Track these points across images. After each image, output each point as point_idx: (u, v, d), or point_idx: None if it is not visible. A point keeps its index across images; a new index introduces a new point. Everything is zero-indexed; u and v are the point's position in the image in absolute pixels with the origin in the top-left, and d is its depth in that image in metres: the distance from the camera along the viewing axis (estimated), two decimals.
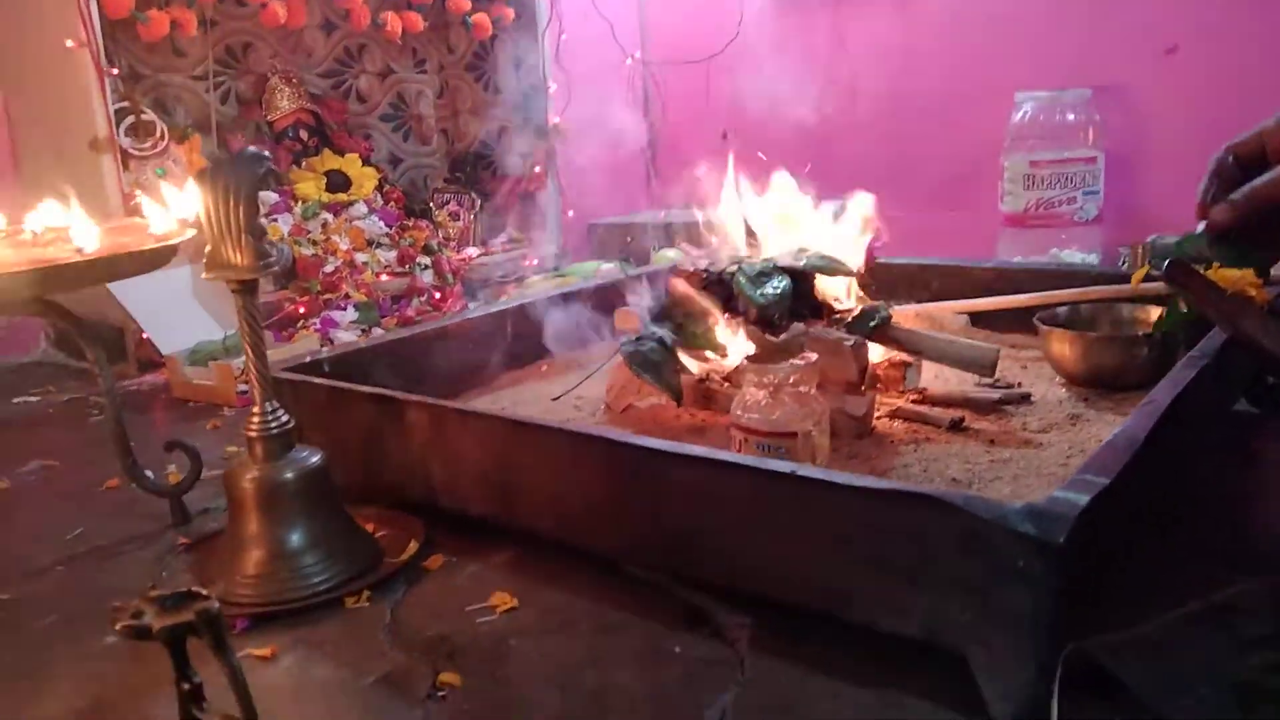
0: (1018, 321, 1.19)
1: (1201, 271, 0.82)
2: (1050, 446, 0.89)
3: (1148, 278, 0.96)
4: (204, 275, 0.77)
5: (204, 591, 0.53)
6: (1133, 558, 0.71)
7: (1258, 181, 0.75)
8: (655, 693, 0.62)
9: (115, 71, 1.62)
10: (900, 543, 0.59)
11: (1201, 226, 0.81)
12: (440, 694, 0.63)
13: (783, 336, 0.91)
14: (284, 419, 0.80)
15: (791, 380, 0.79)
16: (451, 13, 2.22)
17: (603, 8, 2.48)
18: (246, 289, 0.77)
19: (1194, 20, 1.90)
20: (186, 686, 0.53)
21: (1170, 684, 0.57)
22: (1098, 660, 0.56)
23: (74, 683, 0.68)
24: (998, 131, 2.01)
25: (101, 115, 1.56)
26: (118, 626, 0.52)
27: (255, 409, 0.79)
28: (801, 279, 1.01)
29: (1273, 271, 0.79)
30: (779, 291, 0.98)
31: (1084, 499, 0.56)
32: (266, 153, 0.77)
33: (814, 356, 0.84)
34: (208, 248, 0.77)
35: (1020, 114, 1.97)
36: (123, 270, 0.83)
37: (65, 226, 0.90)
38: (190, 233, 0.90)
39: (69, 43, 1.53)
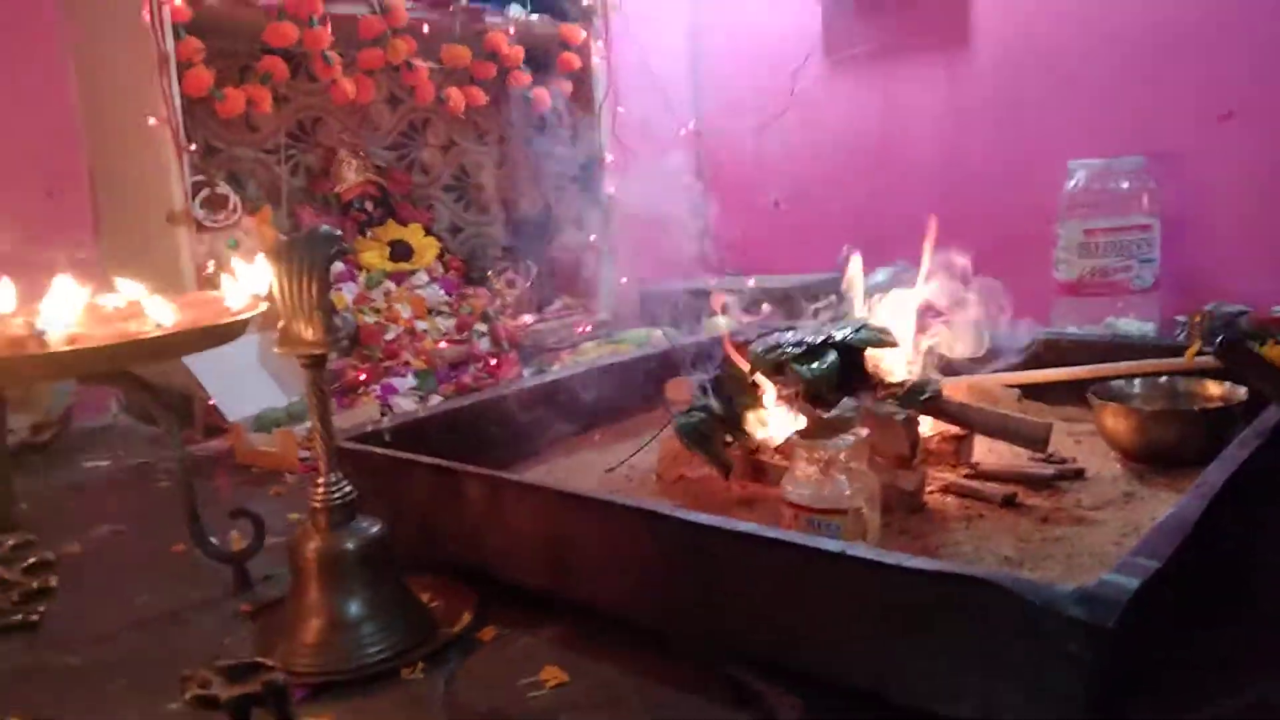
0: (1069, 394, 1.18)
1: (1253, 348, 0.82)
2: (1104, 525, 0.88)
3: (1200, 353, 0.96)
4: (276, 350, 0.81)
5: (269, 663, 0.55)
6: (1188, 641, 0.70)
7: None
8: None
9: (193, 147, 1.70)
10: (950, 624, 0.59)
11: None
12: None
13: (833, 411, 0.92)
14: (347, 489, 0.82)
15: (842, 456, 0.80)
16: (512, 87, 2.29)
17: (658, 80, 2.54)
18: (316, 363, 0.80)
19: (1249, 86, 1.90)
20: None
21: None
22: None
23: None
24: (1051, 199, 2.01)
25: (179, 189, 1.64)
26: (187, 696, 0.55)
27: (320, 480, 0.82)
28: (851, 352, 1.02)
29: None
30: (827, 366, 0.99)
31: (1134, 583, 0.56)
32: (339, 231, 0.81)
33: (865, 432, 0.84)
34: (280, 323, 0.80)
35: (1074, 182, 1.97)
36: (198, 344, 0.87)
37: (140, 301, 0.95)
38: (262, 306, 0.94)
39: (151, 120, 1.62)
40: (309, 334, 0.79)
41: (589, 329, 2.20)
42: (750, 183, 2.55)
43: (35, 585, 0.59)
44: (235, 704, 0.53)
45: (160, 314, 0.84)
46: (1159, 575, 0.57)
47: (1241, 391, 1.01)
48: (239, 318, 0.90)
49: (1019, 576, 0.59)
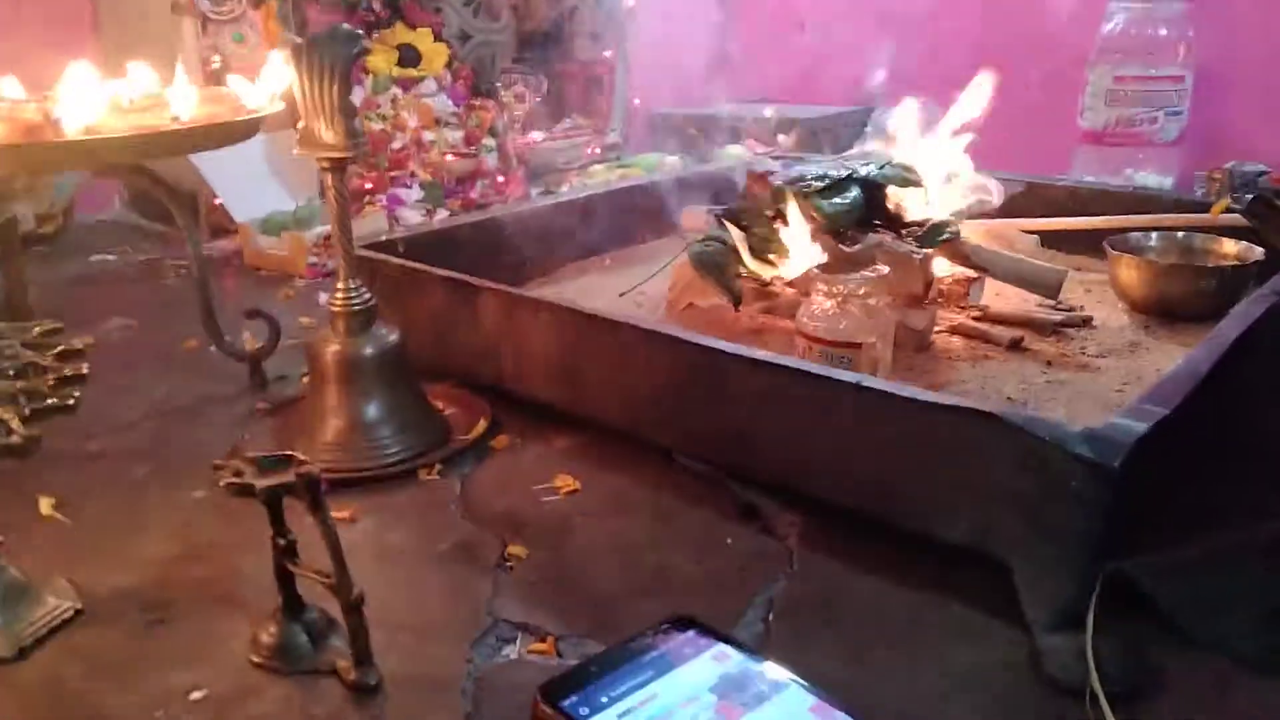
0: (1085, 243, 1.18)
1: None
2: (1107, 372, 0.90)
3: (1228, 210, 0.95)
4: (295, 152, 0.80)
5: (301, 455, 0.57)
6: (1187, 486, 0.73)
7: None
8: (708, 578, 0.65)
9: None
10: (959, 456, 0.61)
11: None
12: (509, 564, 0.67)
13: (856, 247, 0.92)
14: (366, 296, 0.83)
15: (861, 292, 0.81)
16: None
17: None
18: (337, 167, 0.79)
19: None
20: (282, 542, 0.57)
21: (1203, 608, 0.59)
22: (1135, 580, 0.59)
23: (169, 530, 0.73)
24: (1087, 40, 1.94)
25: None
26: (222, 483, 0.57)
27: (339, 285, 0.82)
28: (874, 190, 1.01)
29: None
30: (849, 202, 0.98)
31: (1143, 427, 0.58)
32: (360, 31, 0.78)
33: (884, 269, 0.85)
34: (300, 124, 0.79)
35: (1111, 24, 1.90)
36: (217, 140, 0.85)
37: (161, 94, 0.92)
38: (279, 105, 0.92)
39: None
40: (329, 136, 0.78)
41: (598, 151, 2.16)
42: (776, 3, 2.44)
43: (68, 371, 0.60)
44: (270, 493, 0.56)
45: (182, 106, 0.82)
46: (1166, 422, 0.59)
47: (1258, 251, 1.01)
48: (257, 115, 0.88)
49: (1031, 414, 0.60)
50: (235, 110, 0.88)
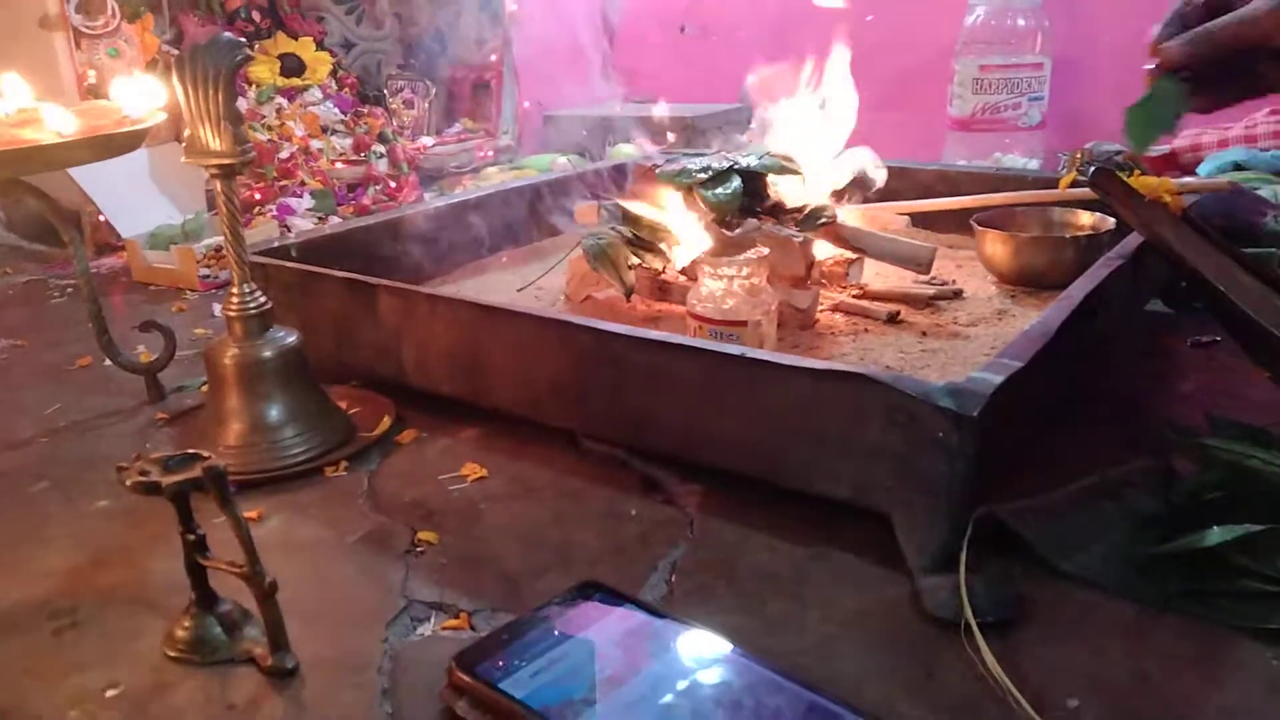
0: (956, 222, 1.26)
1: (1123, 178, 0.89)
2: (976, 339, 0.96)
3: (1075, 184, 1.03)
4: (183, 160, 0.80)
5: (205, 453, 0.58)
6: (1042, 436, 0.79)
7: (1219, 21, 0.73)
8: (613, 548, 0.69)
9: None
10: (835, 417, 0.66)
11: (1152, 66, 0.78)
12: (419, 549, 0.69)
13: (737, 232, 0.97)
14: (261, 300, 0.84)
15: (744, 273, 0.85)
16: None
17: None
18: (226, 174, 0.80)
19: None
20: (192, 538, 0.58)
21: (1064, 543, 0.65)
22: (1003, 521, 0.64)
23: (73, 540, 0.73)
24: (951, 34, 2.04)
25: None
26: (128, 483, 0.57)
27: (234, 290, 0.83)
28: (755, 179, 1.06)
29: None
30: (731, 191, 1.02)
31: (998, 379, 0.63)
32: (243, 39, 0.79)
33: (766, 251, 0.89)
34: (186, 133, 0.79)
35: (973, 17, 2.00)
36: (100, 152, 0.85)
37: (36, 108, 0.91)
38: (161, 116, 0.92)
39: None
40: (218, 144, 0.79)
41: (491, 154, 2.17)
42: (657, 5, 2.49)
43: None
44: (176, 489, 0.57)
45: (60, 121, 0.81)
46: (1020, 374, 0.65)
47: (1110, 222, 1.09)
48: (141, 126, 0.88)
49: (898, 374, 0.65)
50: (117, 122, 0.88)
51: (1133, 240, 0.93)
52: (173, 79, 0.79)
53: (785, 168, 1.06)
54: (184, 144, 0.80)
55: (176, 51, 1.82)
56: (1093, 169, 0.87)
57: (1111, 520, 0.68)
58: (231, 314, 0.83)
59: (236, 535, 0.56)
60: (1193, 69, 0.75)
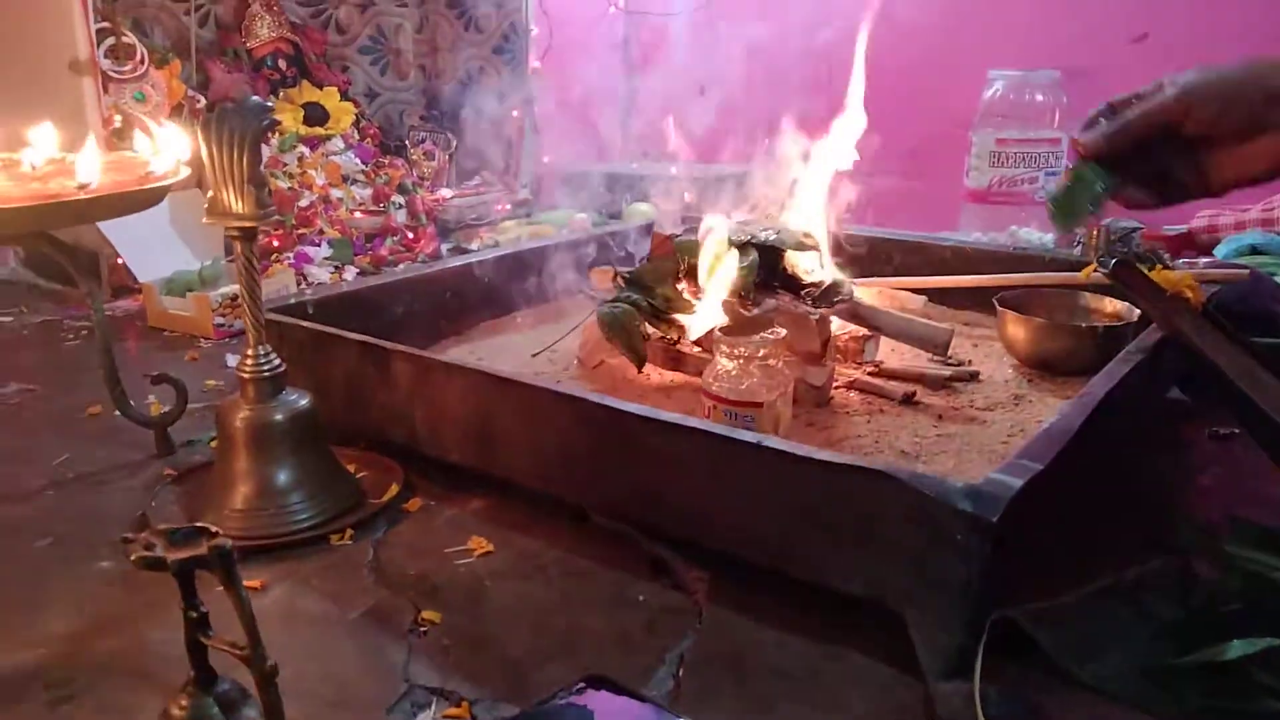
0: (971, 299, 1.25)
1: (1144, 271, 0.88)
2: (993, 425, 0.96)
3: (1096, 271, 1.02)
4: (205, 220, 0.80)
5: (213, 528, 0.57)
6: (1062, 535, 0.78)
7: (1134, 107, 0.78)
8: (619, 636, 0.67)
9: None
10: (852, 511, 0.65)
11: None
12: (422, 629, 0.68)
13: (755, 311, 0.96)
14: (276, 362, 0.83)
15: (761, 354, 0.85)
16: None
17: None
18: (246, 235, 0.80)
19: (1164, 8, 1.95)
20: (194, 615, 0.57)
21: (1081, 650, 0.64)
22: (1020, 626, 0.63)
23: (73, 603, 0.72)
24: (970, 106, 2.06)
25: (83, 36, 1.55)
26: (133, 558, 0.56)
27: (249, 351, 0.82)
28: (772, 253, 1.06)
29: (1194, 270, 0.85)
30: (748, 265, 1.02)
31: (1018, 482, 0.62)
32: (271, 103, 0.80)
33: (783, 332, 0.89)
34: (209, 193, 0.79)
35: (992, 91, 2.02)
36: (122, 208, 0.85)
37: (63, 158, 0.92)
38: (185, 172, 0.92)
39: None
40: (239, 206, 0.79)
41: (509, 207, 2.19)
42: (677, 67, 2.52)
43: None
44: (181, 566, 0.56)
45: (88, 173, 0.81)
46: (1041, 476, 0.64)
47: (1135, 312, 1.08)
48: (164, 183, 0.88)
49: (915, 471, 0.64)
50: (141, 179, 0.88)
51: (1154, 333, 0.93)
52: (197, 136, 0.79)
53: (803, 244, 1.06)
54: (206, 204, 0.80)
55: (202, 97, 1.84)
56: (1113, 262, 0.87)
57: (1129, 626, 0.67)
58: (245, 375, 0.82)
59: (240, 618, 0.55)
60: (1112, 156, 0.79)
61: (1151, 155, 0.78)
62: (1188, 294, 0.88)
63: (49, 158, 0.92)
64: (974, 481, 0.62)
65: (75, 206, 0.80)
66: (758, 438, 0.69)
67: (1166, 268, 1.00)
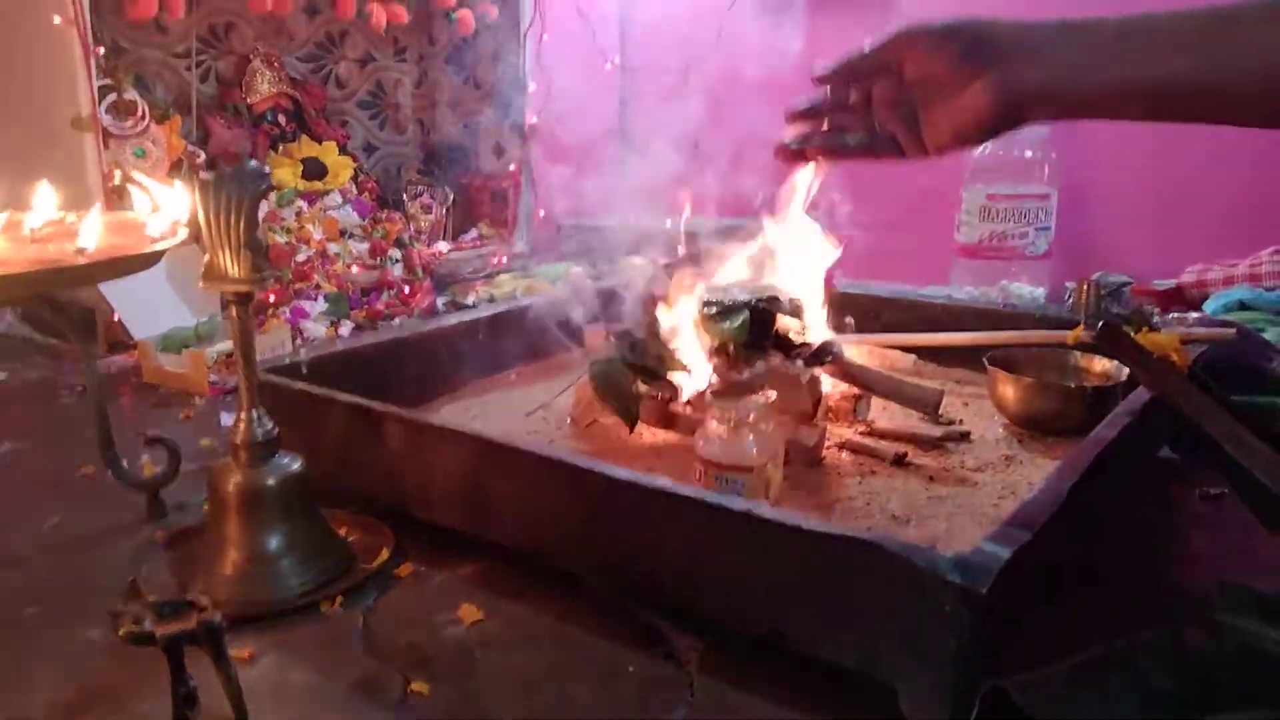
0: (962, 356, 1.26)
1: (1130, 334, 0.89)
2: (984, 486, 0.96)
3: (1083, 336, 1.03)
4: (201, 285, 0.81)
5: (203, 601, 0.57)
6: (1052, 601, 0.78)
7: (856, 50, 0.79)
8: (609, 708, 0.67)
9: (101, 50, 1.63)
10: (840, 581, 0.65)
11: None
12: (411, 701, 0.68)
13: (746, 374, 0.97)
14: (269, 426, 0.83)
15: (752, 418, 0.85)
16: (436, 6, 2.24)
17: (584, 11, 2.51)
18: (242, 300, 0.81)
19: None
20: (183, 691, 0.57)
21: None
22: (1011, 698, 0.63)
23: (60, 675, 0.71)
24: (960, 162, 2.08)
25: (85, 93, 1.57)
26: (121, 633, 0.56)
27: (242, 415, 0.83)
28: (763, 314, 1.07)
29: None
30: (738, 325, 1.03)
31: (1007, 552, 0.62)
32: (268, 168, 0.81)
33: (774, 395, 0.89)
34: (205, 258, 0.80)
35: (981, 147, 2.04)
36: (120, 271, 0.86)
37: (63, 218, 0.93)
38: (183, 233, 0.93)
39: (56, 19, 1.54)
40: (235, 271, 0.80)
41: (505, 260, 2.20)
42: (673, 123, 2.55)
43: None
44: (170, 640, 0.56)
45: (87, 237, 0.82)
46: (1030, 544, 0.64)
47: (1125, 370, 1.09)
48: (161, 246, 0.89)
49: (905, 541, 0.64)
50: (140, 241, 0.89)
51: (1143, 393, 0.93)
52: (194, 198, 0.80)
53: (796, 309, 1.07)
54: (202, 269, 0.80)
55: (202, 153, 1.86)
56: (1100, 324, 0.87)
57: (1121, 695, 0.66)
58: (237, 441, 0.83)
59: (228, 695, 0.55)
60: (836, 89, 0.83)
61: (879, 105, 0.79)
62: (1174, 357, 0.89)
63: (48, 219, 0.93)
64: (963, 552, 0.62)
65: (74, 272, 0.81)
66: (747, 505, 0.69)
67: (1153, 330, 1.01)
